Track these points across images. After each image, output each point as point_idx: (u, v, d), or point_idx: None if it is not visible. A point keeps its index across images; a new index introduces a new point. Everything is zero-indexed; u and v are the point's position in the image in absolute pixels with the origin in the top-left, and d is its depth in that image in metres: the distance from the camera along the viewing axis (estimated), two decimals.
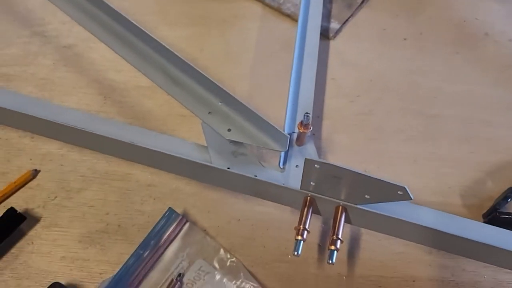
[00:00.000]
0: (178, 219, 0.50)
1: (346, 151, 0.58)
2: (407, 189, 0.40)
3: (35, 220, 0.51)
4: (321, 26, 0.66)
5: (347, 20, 0.70)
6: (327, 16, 0.70)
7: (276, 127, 0.47)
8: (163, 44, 0.53)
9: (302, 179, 0.44)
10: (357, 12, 0.72)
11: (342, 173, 0.41)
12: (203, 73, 0.51)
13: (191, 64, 0.51)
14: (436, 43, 0.69)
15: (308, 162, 0.41)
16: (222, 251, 0.49)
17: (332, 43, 0.68)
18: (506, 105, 0.63)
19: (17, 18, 0.66)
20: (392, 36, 0.70)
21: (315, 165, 0.41)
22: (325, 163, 0.40)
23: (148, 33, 0.54)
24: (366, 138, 0.59)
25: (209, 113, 0.52)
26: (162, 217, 0.50)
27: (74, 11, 0.60)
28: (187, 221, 0.50)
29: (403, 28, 0.70)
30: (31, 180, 0.53)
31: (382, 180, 0.40)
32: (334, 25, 0.69)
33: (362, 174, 0.40)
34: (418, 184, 0.56)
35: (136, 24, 0.54)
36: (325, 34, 0.68)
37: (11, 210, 0.49)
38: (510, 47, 0.69)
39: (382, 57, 0.67)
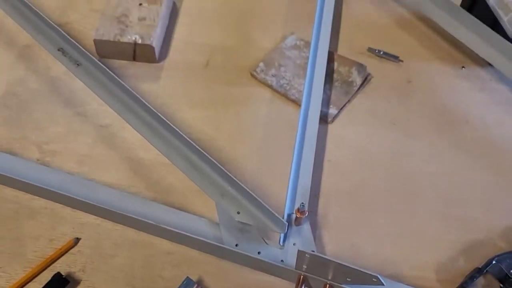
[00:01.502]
0: (193, 286, 0.60)
1: (337, 225, 0.67)
2: (380, 277, 0.50)
3: (77, 282, 0.61)
4: (321, 111, 0.77)
5: (344, 106, 0.81)
6: (326, 102, 0.81)
7: (277, 215, 0.58)
8: (184, 135, 0.64)
9: (296, 262, 0.54)
10: (353, 99, 0.82)
11: (327, 262, 0.51)
12: (216, 162, 0.62)
13: (206, 154, 0.63)
14: (421, 127, 0.79)
15: (300, 253, 0.51)
16: None
17: (330, 126, 0.79)
18: (481, 188, 0.73)
19: (62, 100, 0.78)
20: (383, 121, 0.80)
21: (306, 255, 0.51)
22: (314, 254, 0.50)
23: (171, 124, 0.65)
24: (355, 213, 0.69)
25: (221, 195, 0.62)
26: (180, 285, 0.60)
27: (109, 100, 0.72)
28: None
29: (393, 114, 0.81)
30: (73, 247, 0.64)
31: (359, 270, 0.50)
32: (332, 110, 0.80)
33: (343, 264, 0.50)
34: (398, 258, 0.65)
35: (161, 116, 0.65)
36: (324, 119, 0.79)
37: (58, 275, 0.60)
38: (488, 134, 0.79)
39: (373, 140, 0.78)
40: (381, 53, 0.88)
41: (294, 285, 0.57)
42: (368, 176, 0.73)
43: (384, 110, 0.81)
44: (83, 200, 0.61)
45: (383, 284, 0.50)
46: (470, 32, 0.86)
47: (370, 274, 0.49)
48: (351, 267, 0.49)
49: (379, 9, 0.97)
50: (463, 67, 0.88)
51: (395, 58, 0.88)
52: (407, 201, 0.71)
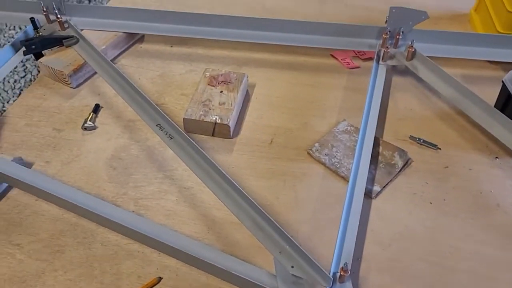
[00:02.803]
0: None
1: None
2: None
3: None
4: (366, 188, 0.91)
5: (386, 184, 0.94)
6: (371, 180, 0.94)
7: (324, 271, 0.70)
8: (251, 199, 0.80)
9: None
10: (395, 179, 0.96)
11: None
12: (276, 223, 0.76)
13: (268, 216, 0.77)
14: (456, 208, 0.90)
15: None
16: None
17: (374, 201, 0.92)
18: (510, 267, 0.81)
19: (156, 165, 0.98)
20: (421, 200, 0.92)
21: None
22: None
23: (241, 189, 0.81)
24: (392, 280, 0.79)
25: (279, 252, 0.76)
26: None
27: (193, 166, 0.90)
28: None
29: (430, 194, 0.93)
30: (156, 284, 0.79)
31: None
32: (376, 188, 0.93)
33: None
34: None
35: (233, 182, 0.82)
36: (368, 194, 0.92)
37: None
38: None
39: (411, 216, 0.89)
40: (421, 141, 1.02)
41: None
42: (406, 247, 0.84)
43: (422, 191, 0.94)
44: (168, 244, 0.77)
45: None
46: (503, 128, 0.99)
47: None
48: None
49: (422, 103, 1.12)
50: (496, 157, 1.00)
51: (433, 146, 1.01)
52: (440, 273, 0.81)
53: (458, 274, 0.81)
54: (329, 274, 0.73)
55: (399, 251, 0.84)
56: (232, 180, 0.84)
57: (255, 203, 0.80)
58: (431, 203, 0.92)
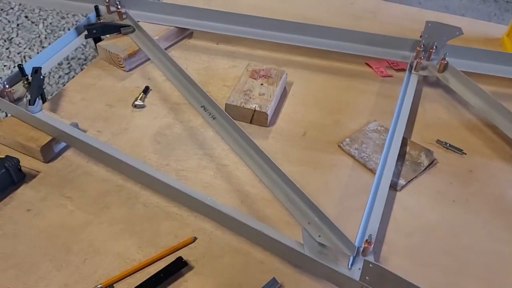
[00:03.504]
0: (277, 286, 0.78)
1: (394, 269, 0.83)
2: None
3: (190, 268, 0.82)
4: (393, 181, 0.96)
5: (411, 179, 0.99)
6: (397, 174, 1.00)
7: (350, 240, 0.76)
8: (286, 174, 0.86)
9: (361, 274, 0.71)
10: (420, 176, 1.01)
11: (388, 274, 0.67)
12: (308, 196, 0.83)
13: (301, 189, 0.84)
14: (478, 209, 0.95)
15: (365, 262, 0.68)
16: None
17: (398, 194, 0.97)
18: None
19: (197, 144, 1.05)
20: (444, 197, 0.97)
21: (370, 265, 0.68)
22: (376, 264, 0.68)
23: (277, 165, 0.88)
24: (412, 265, 0.84)
25: (308, 223, 0.82)
26: (267, 282, 0.78)
27: (233, 144, 0.98)
28: None
29: (453, 193, 0.97)
30: (191, 243, 0.86)
31: (414, 285, 0.65)
32: (401, 181, 0.98)
33: (396, 275, 0.66)
34: None
35: (270, 158, 0.89)
36: (394, 187, 0.97)
37: (179, 258, 0.81)
38: None
39: (433, 211, 0.94)
40: (448, 145, 1.07)
41: None
42: (426, 238, 0.89)
43: (446, 189, 0.98)
44: (206, 203, 0.84)
45: None
46: None
47: (416, 286, 0.65)
48: (408, 281, 0.65)
49: (450, 113, 1.18)
50: None
51: (459, 150, 1.06)
52: (458, 264, 0.85)
53: (475, 267, 0.85)
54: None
55: (419, 240, 0.89)
56: (269, 157, 0.90)
57: (289, 177, 0.86)
58: (454, 201, 0.96)
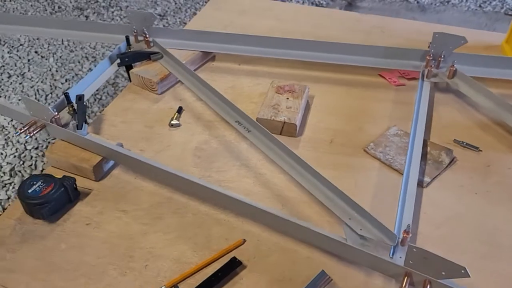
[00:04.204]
0: (326, 277, 0.85)
1: None
2: (467, 269, 0.72)
3: (244, 267, 0.89)
4: (418, 179, 1.04)
5: (435, 177, 1.08)
6: (422, 173, 1.08)
7: (390, 230, 0.84)
8: (325, 177, 0.94)
9: (405, 259, 0.78)
10: (443, 172, 1.09)
11: (427, 254, 0.75)
12: (347, 194, 0.91)
13: (340, 189, 0.92)
14: (499, 198, 1.03)
15: (410, 247, 0.76)
16: None
17: (425, 190, 1.05)
18: None
19: (233, 156, 1.13)
20: (467, 190, 1.05)
21: (414, 249, 0.76)
22: (419, 248, 0.75)
23: (315, 169, 0.96)
24: (445, 252, 0.91)
25: (349, 218, 0.90)
26: (317, 275, 0.85)
27: (269, 153, 1.06)
28: (331, 279, 0.85)
29: (474, 186, 1.06)
30: (241, 245, 0.93)
31: (449, 261, 0.73)
32: (426, 179, 1.07)
33: (439, 256, 0.74)
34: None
35: (307, 163, 0.97)
36: (420, 184, 1.05)
37: (234, 258, 0.89)
38: None
39: (459, 203, 1.02)
40: (464, 144, 1.16)
41: (398, 285, 0.80)
42: (456, 227, 0.97)
43: (467, 183, 1.06)
44: (254, 206, 0.91)
45: (469, 276, 0.72)
46: None
47: (459, 265, 0.72)
48: (450, 261, 0.73)
49: (462, 115, 1.27)
50: None
51: (475, 148, 1.15)
52: (487, 248, 0.92)
53: (503, 249, 0.92)
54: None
55: (450, 230, 0.96)
56: (305, 161, 0.99)
57: (326, 178, 0.95)
58: (476, 193, 1.04)
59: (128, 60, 1.36)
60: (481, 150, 1.15)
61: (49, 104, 1.77)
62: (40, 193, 0.96)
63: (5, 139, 1.62)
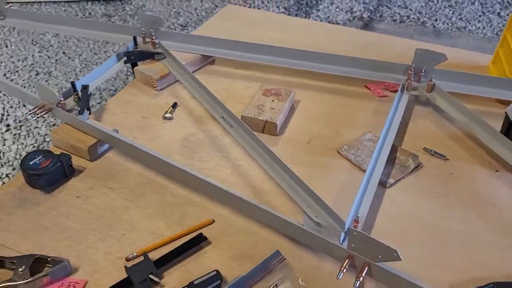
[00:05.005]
0: (280, 257, 0.94)
1: None
2: (398, 252, 0.81)
3: (208, 243, 0.99)
4: (382, 179, 1.13)
5: (399, 179, 1.16)
6: (387, 175, 1.16)
7: (341, 218, 0.93)
8: (291, 169, 1.04)
9: (348, 242, 0.87)
10: (408, 176, 1.17)
11: (367, 238, 0.83)
12: (307, 185, 1.00)
13: (302, 180, 1.01)
14: (457, 202, 1.10)
15: (351, 230, 0.85)
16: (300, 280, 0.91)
17: (388, 190, 1.13)
18: (499, 249, 0.99)
19: (216, 148, 1.24)
20: (427, 193, 1.12)
21: (354, 233, 0.84)
22: (359, 232, 0.84)
23: (285, 163, 1.06)
24: (394, 243, 0.98)
25: (307, 206, 0.99)
26: (272, 254, 0.95)
27: (248, 147, 1.17)
28: (284, 259, 0.94)
29: (435, 190, 1.13)
30: (210, 224, 1.03)
31: (384, 244, 0.81)
32: (390, 180, 1.15)
33: (375, 239, 0.82)
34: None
35: (278, 157, 1.07)
36: (383, 184, 1.14)
37: (200, 234, 0.99)
38: (508, 214, 1.07)
39: (418, 204, 1.10)
40: (433, 152, 1.24)
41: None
42: (410, 223, 1.05)
43: (429, 187, 1.14)
44: (224, 189, 1.02)
45: (400, 259, 0.81)
46: (504, 148, 1.19)
47: (392, 249, 0.81)
48: (384, 244, 0.81)
49: (437, 127, 1.35)
50: (496, 171, 1.19)
51: (443, 156, 1.23)
52: (435, 242, 1.00)
53: (452, 245, 1.00)
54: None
55: (404, 226, 1.04)
56: (277, 156, 1.09)
57: (292, 171, 1.04)
58: (435, 196, 1.12)
59: (133, 58, 1.50)
60: (448, 159, 1.23)
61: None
62: (40, 165, 1.09)
63: (27, 131, 1.78)
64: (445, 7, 3.06)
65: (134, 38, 1.52)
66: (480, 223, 1.05)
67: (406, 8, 2.99)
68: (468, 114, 1.29)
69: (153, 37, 1.54)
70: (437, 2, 3.11)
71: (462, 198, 1.12)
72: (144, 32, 1.55)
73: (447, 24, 2.79)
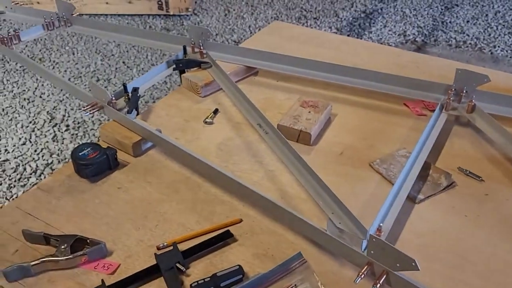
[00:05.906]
0: (302, 259, 0.97)
1: None
2: (417, 262, 0.81)
3: (235, 240, 1.04)
4: (412, 195, 1.13)
5: (430, 196, 1.15)
6: (417, 190, 1.16)
7: (364, 226, 0.94)
8: (320, 178, 1.07)
9: (367, 249, 0.89)
10: (438, 194, 1.16)
11: (385, 246, 0.85)
12: (333, 192, 1.03)
13: (330, 189, 1.04)
14: (488, 223, 1.08)
15: (371, 237, 0.86)
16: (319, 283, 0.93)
17: (417, 206, 1.13)
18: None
19: (251, 153, 1.30)
20: (457, 211, 1.11)
21: (373, 239, 0.86)
22: (378, 238, 0.85)
23: (313, 170, 1.09)
24: (418, 257, 0.98)
25: (332, 213, 1.01)
26: (294, 255, 0.98)
27: (280, 154, 1.21)
28: (305, 261, 0.97)
29: (466, 209, 1.12)
30: (238, 223, 1.08)
31: (402, 253, 0.82)
32: (420, 196, 1.15)
33: (394, 247, 0.83)
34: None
35: (310, 167, 1.10)
36: (413, 200, 1.14)
37: (228, 231, 1.04)
38: None
39: (446, 221, 1.09)
40: (468, 172, 1.22)
41: (366, 278, 0.90)
42: (436, 240, 1.04)
43: (460, 206, 1.13)
44: (253, 190, 1.06)
45: (418, 269, 0.81)
46: None
47: (410, 258, 0.82)
48: (403, 252, 0.82)
49: (475, 148, 1.33)
50: None
51: (478, 177, 1.21)
52: (460, 262, 0.99)
53: (473, 263, 0.98)
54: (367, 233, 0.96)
55: (429, 241, 1.04)
56: (307, 163, 1.12)
57: (320, 178, 1.07)
58: (466, 216, 1.11)
59: (182, 66, 1.59)
60: (483, 180, 1.21)
61: None
62: (87, 156, 1.19)
63: (84, 131, 1.92)
64: (504, 34, 2.99)
65: (184, 48, 1.62)
66: (506, 245, 1.03)
67: (463, 33, 2.94)
68: (508, 137, 1.27)
69: (202, 48, 1.63)
70: (497, 28, 3.05)
71: (493, 219, 1.09)
72: (193, 43, 1.65)
73: (506, 51, 2.72)
